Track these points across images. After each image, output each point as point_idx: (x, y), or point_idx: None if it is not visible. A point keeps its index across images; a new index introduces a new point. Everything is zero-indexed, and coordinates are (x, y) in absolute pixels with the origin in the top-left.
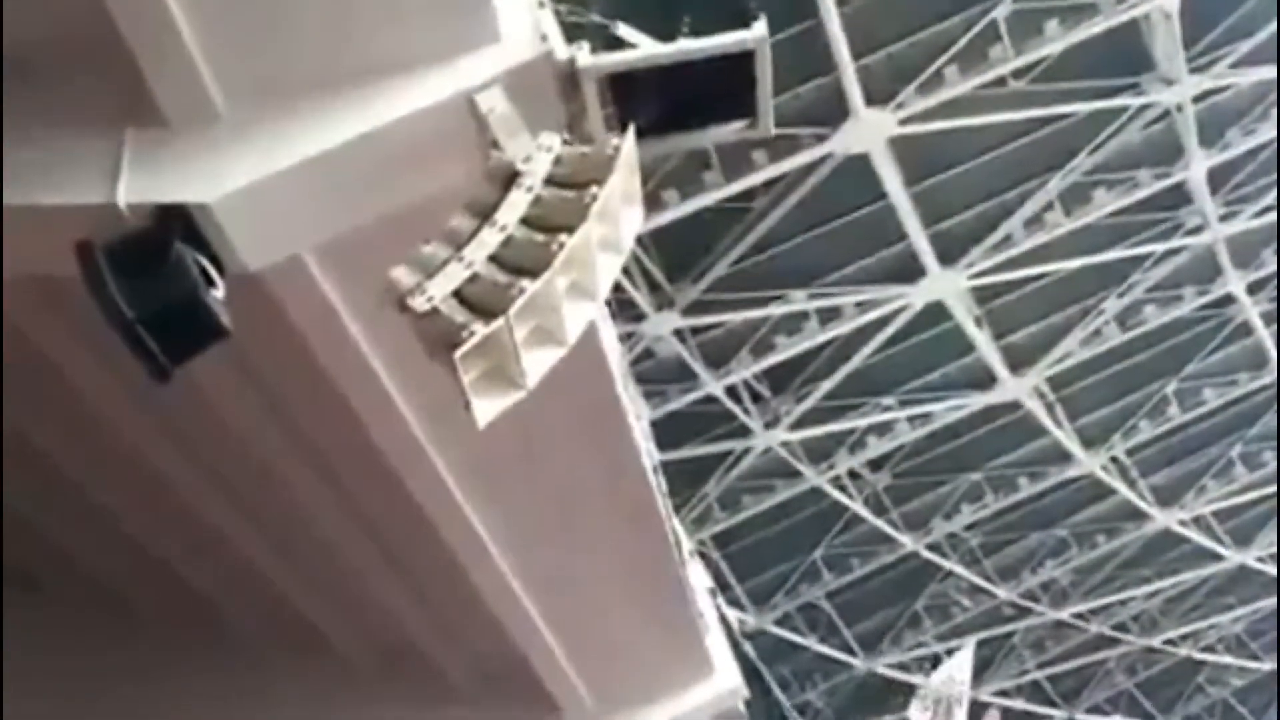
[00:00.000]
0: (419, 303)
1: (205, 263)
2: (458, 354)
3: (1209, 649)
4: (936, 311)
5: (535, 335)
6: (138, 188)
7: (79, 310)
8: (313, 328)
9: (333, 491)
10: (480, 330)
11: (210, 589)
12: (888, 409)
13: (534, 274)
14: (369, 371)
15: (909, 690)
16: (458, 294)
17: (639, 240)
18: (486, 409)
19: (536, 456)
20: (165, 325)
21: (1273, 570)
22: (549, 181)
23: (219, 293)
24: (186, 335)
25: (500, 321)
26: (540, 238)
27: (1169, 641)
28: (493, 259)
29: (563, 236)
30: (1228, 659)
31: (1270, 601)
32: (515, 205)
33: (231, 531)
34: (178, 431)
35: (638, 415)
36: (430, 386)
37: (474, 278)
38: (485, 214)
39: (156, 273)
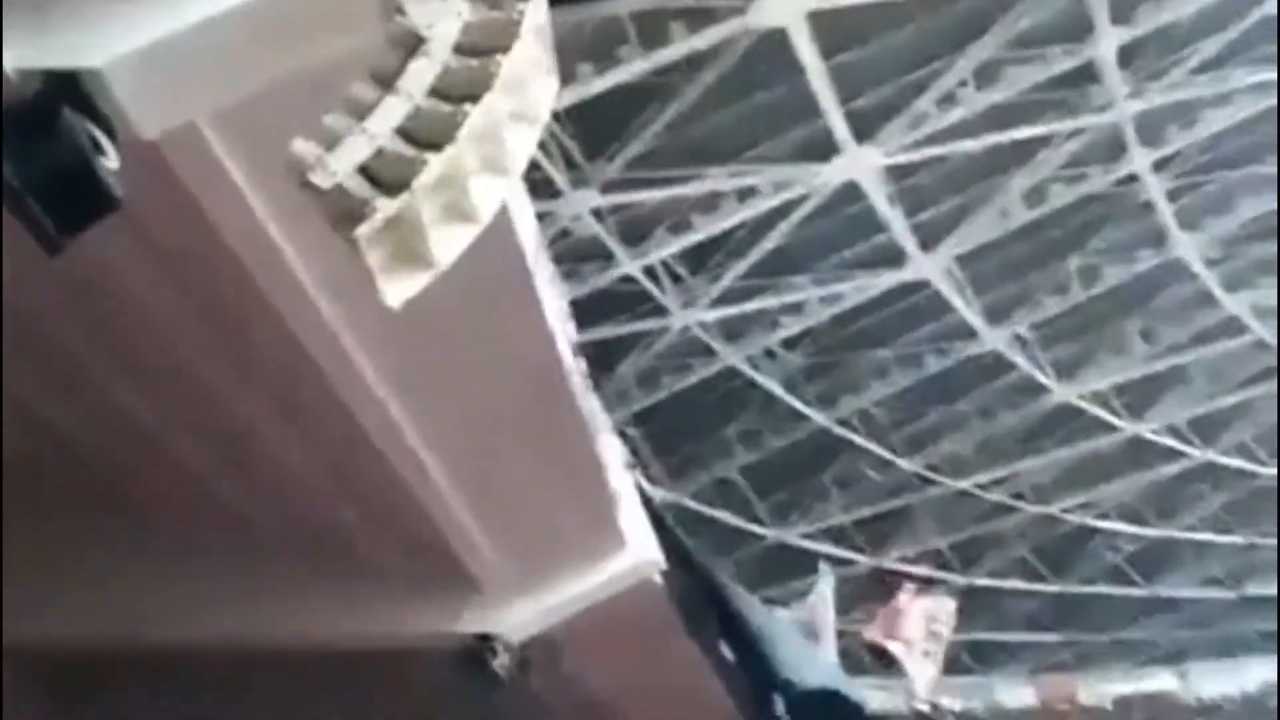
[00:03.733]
0: (321, 178)
1: (96, 130)
2: (362, 232)
3: (1102, 516)
4: (851, 190)
5: (446, 212)
6: (23, 53)
7: None
8: (212, 200)
9: (239, 369)
10: (385, 207)
11: (120, 470)
12: (801, 288)
13: (441, 147)
14: (272, 246)
15: (817, 559)
16: (362, 168)
17: (555, 117)
18: (397, 289)
19: (448, 334)
20: (55, 196)
21: (1167, 441)
22: (456, 49)
23: (111, 162)
24: (77, 206)
25: (406, 197)
26: (447, 109)
27: (1064, 509)
28: (398, 131)
29: (469, 107)
30: (1120, 525)
31: (1165, 469)
32: (420, 74)
33: (141, 412)
34: (77, 307)
35: (555, 294)
36: (336, 262)
37: (379, 151)
38: (389, 83)
39: (45, 141)
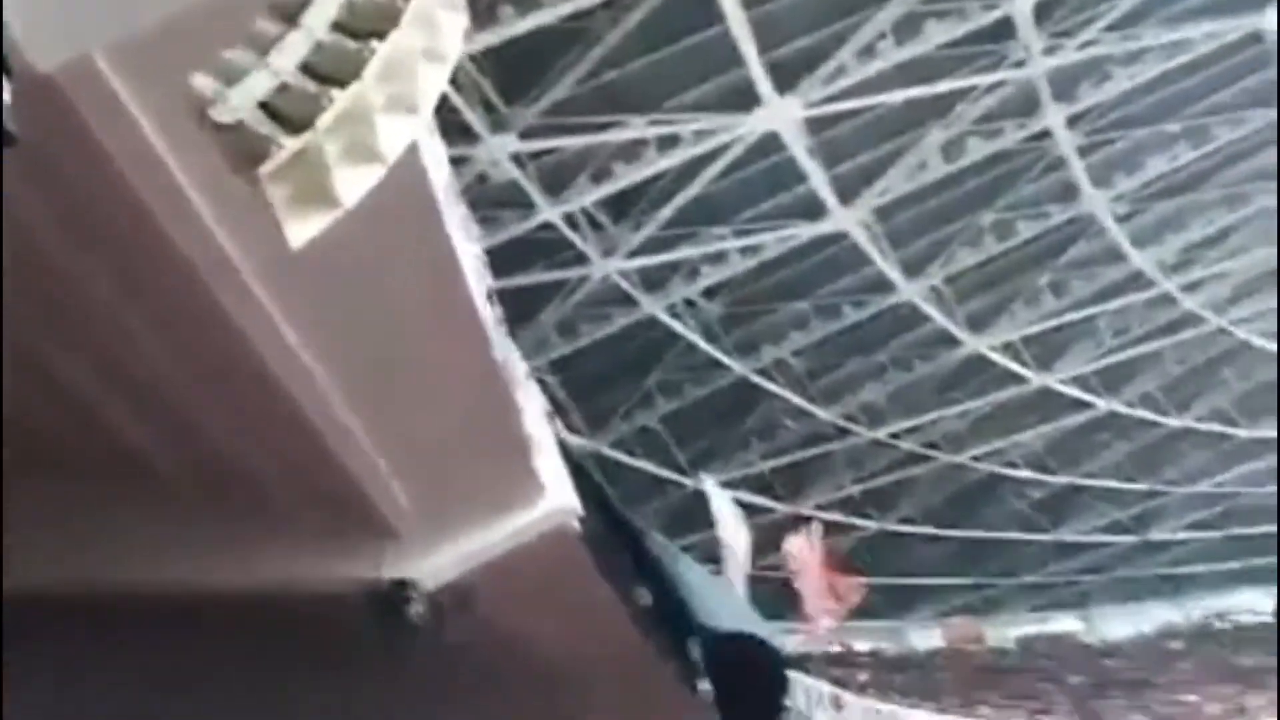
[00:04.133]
0: (222, 113)
1: None
2: (265, 170)
3: (1011, 464)
4: (771, 141)
5: (351, 151)
6: None
7: None
8: (110, 134)
9: (141, 307)
10: (288, 144)
11: (25, 418)
12: (722, 238)
13: (346, 84)
14: (173, 184)
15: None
16: (264, 104)
17: (475, 60)
18: (300, 228)
19: (357, 276)
20: None
21: (1074, 391)
22: None
23: (5, 95)
24: None
25: (310, 135)
26: (352, 44)
27: (975, 458)
28: (302, 67)
29: (375, 43)
30: (1028, 473)
31: (1072, 419)
32: (324, 8)
33: (40, 353)
34: None
35: (470, 239)
36: (239, 200)
37: (282, 87)
38: (292, 17)
39: None
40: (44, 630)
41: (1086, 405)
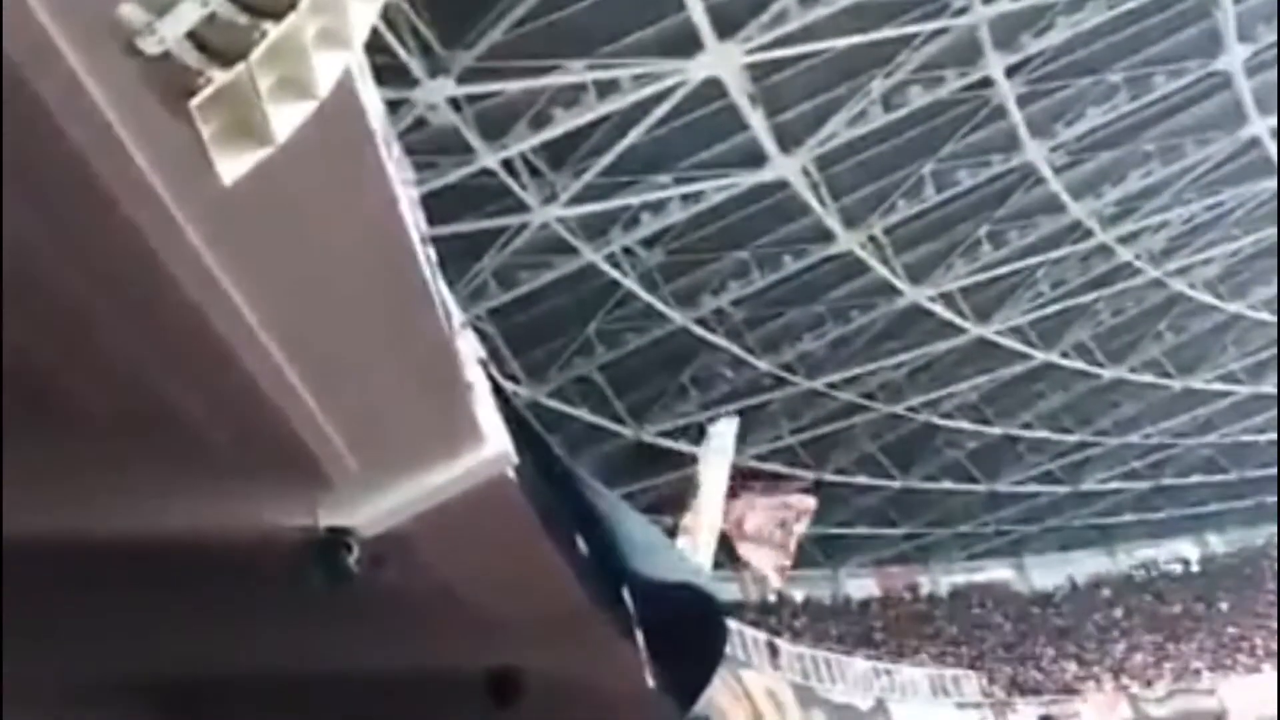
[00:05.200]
0: (149, 44)
1: None
2: (194, 103)
3: (947, 415)
4: (712, 87)
5: (283, 85)
6: None
7: None
8: (30, 65)
9: (63, 242)
10: (218, 77)
11: None
12: (663, 187)
13: (278, 16)
14: (99, 117)
15: (672, 455)
16: (193, 36)
17: (411, 2)
18: (231, 164)
19: (290, 214)
20: None
21: (1010, 342)
22: None
23: None
24: None
25: (241, 68)
26: None
27: (911, 409)
28: None
29: None
30: (964, 424)
31: (1008, 369)
32: None
33: None
34: None
35: (405, 181)
36: (167, 132)
37: (212, 18)
38: None
39: None
40: None
41: (1023, 356)
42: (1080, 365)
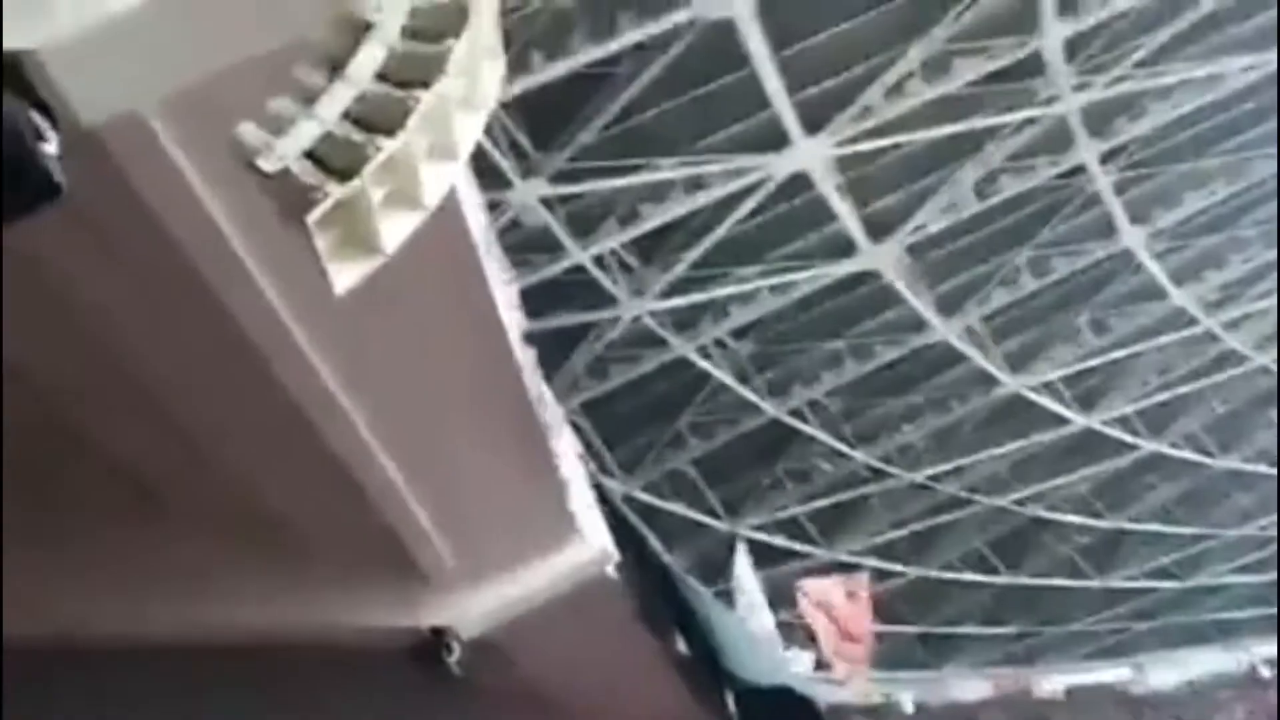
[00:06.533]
0: (269, 163)
1: (37, 116)
2: (311, 218)
3: (1054, 508)
4: (800, 180)
5: (393, 198)
6: None
7: None
8: (156, 187)
9: (185, 358)
10: (334, 192)
11: (62, 462)
12: (752, 278)
13: (390, 132)
14: (217, 233)
15: (770, 550)
16: (310, 153)
17: (504, 106)
18: (344, 274)
19: (398, 321)
20: None
21: (1117, 432)
22: (404, 33)
23: (51, 148)
24: (15, 192)
25: (355, 183)
26: (396, 94)
27: (1016, 502)
28: (347, 116)
29: (419, 93)
30: (1072, 517)
31: (1116, 461)
32: (368, 59)
33: (80, 401)
34: (17, 293)
35: (504, 282)
36: (283, 249)
37: (327, 136)
38: (338, 68)
39: None
40: (40, 684)
41: (1130, 446)
42: (1190, 455)
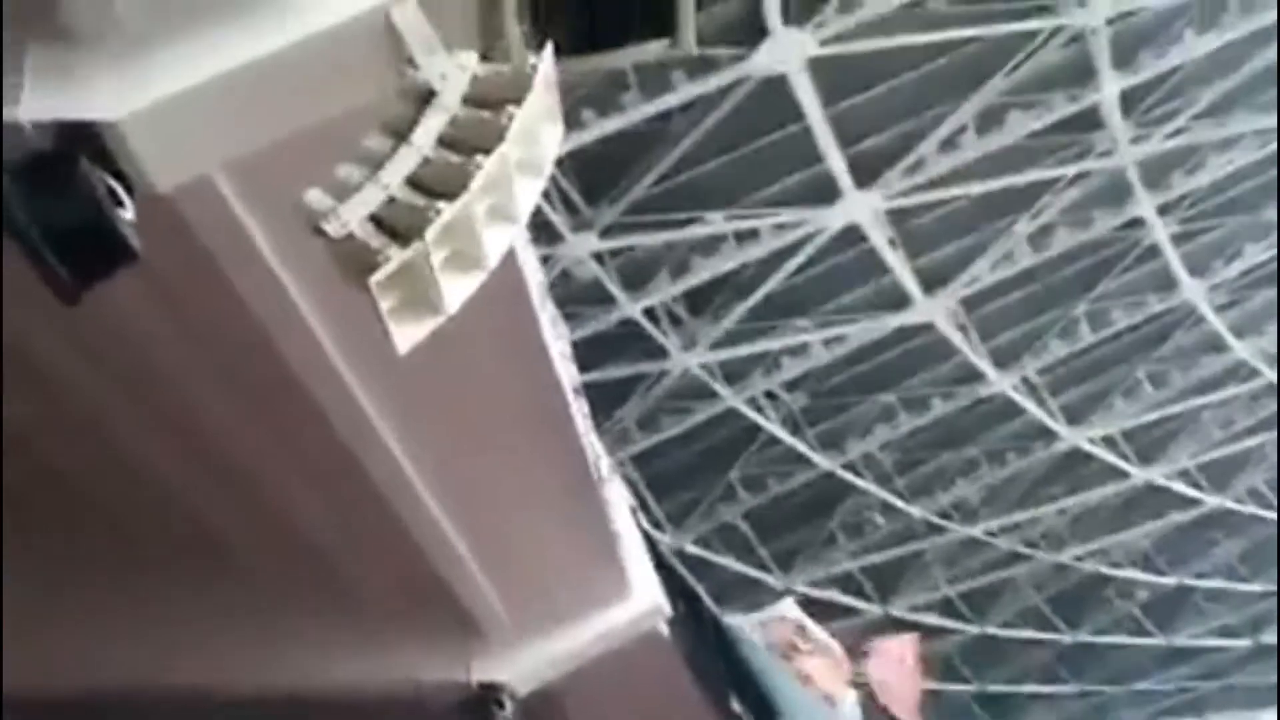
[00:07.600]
0: (334, 227)
1: (113, 182)
2: (375, 280)
3: (1115, 564)
4: (852, 233)
5: (454, 259)
6: (41, 105)
7: None
8: (226, 251)
9: (249, 417)
10: (397, 255)
11: (123, 517)
12: (803, 330)
13: (452, 196)
14: (285, 297)
15: (824, 607)
16: (374, 218)
17: (557, 162)
18: (406, 335)
19: (456, 378)
20: (71, 247)
21: (1179, 487)
22: (466, 101)
23: (127, 214)
24: (94, 257)
25: (418, 246)
26: (457, 159)
27: (1077, 557)
28: (409, 181)
29: (480, 158)
30: (1134, 573)
31: (1178, 515)
32: (431, 126)
33: (148, 461)
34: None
35: (558, 336)
36: (346, 309)
37: (390, 201)
38: (401, 134)
39: (62, 193)
40: None
41: (1193, 501)
42: (1255, 510)
